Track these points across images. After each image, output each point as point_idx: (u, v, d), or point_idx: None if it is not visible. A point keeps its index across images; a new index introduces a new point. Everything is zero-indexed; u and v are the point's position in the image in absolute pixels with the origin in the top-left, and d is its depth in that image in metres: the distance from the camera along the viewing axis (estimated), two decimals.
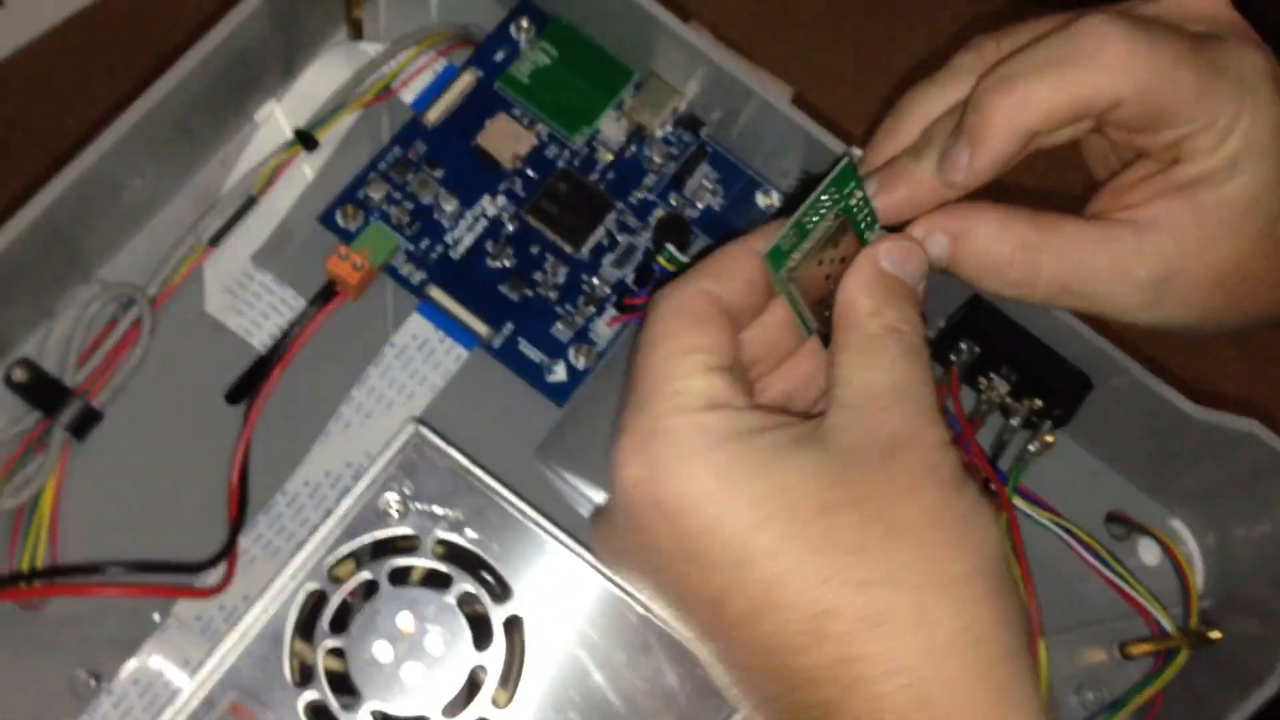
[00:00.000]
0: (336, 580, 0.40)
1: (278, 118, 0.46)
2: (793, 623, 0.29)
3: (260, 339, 0.45)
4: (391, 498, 0.40)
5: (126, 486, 0.44)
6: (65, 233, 0.42)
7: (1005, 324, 0.46)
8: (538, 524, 0.41)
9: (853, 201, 0.33)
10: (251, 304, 0.46)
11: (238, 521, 0.43)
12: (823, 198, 0.32)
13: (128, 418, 0.44)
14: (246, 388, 0.45)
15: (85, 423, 0.42)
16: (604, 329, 0.46)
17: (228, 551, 0.42)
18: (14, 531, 0.41)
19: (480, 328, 0.45)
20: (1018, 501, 0.45)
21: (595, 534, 0.34)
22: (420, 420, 0.41)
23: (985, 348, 0.46)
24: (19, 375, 0.42)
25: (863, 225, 0.33)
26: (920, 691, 0.28)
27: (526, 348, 0.46)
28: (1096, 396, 0.46)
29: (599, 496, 0.44)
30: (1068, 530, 0.45)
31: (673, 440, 0.30)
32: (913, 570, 0.29)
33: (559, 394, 0.46)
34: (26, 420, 0.42)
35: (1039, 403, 0.46)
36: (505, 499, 0.41)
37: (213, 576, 0.42)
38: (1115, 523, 0.49)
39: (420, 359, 0.45)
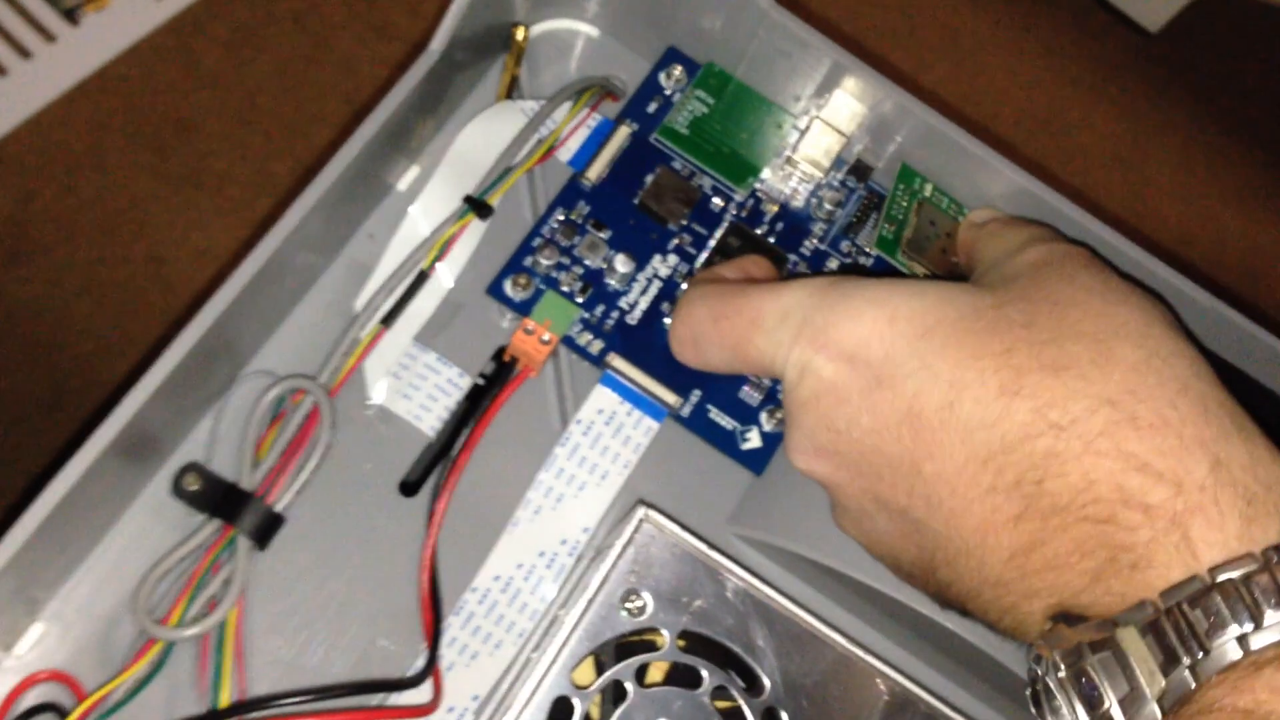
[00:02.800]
0: (580, 687, 0.36)
1: (435, 184, 0.43)
2: (986, 396, 0.31)
3: (430, 424, 0.42)
4: (630, 591, 0.37)
5: (310, 596, 0.40)
6: (228, 329, 0.38)
7: None
8: (783, 607, 0.38)
9: (926, 193, 0.44)
10: (417, 386, 0.42)
11: (435, 630, 0.39)
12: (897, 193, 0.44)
13: (308, 520, 0.40)
14: (423, 479, 0.41)
15: (268, 529, 0.38)
16: None
17: (431, 665, 0.38)
18: (202, 658, 0.37)
19: (668, 396, 0.42)
20: None
21: (787, 444, 0.36)
22: (648, 503, 0.38)
23: None
24: (191, 482, 0.38)
25: (950, 211, 0.44)
26: (1123, 412, 0.30)
27: (717, 415, 0.43)
28: None
29: (804, 551, 0.41)
30: None
31: (831, 297, 0.35)
32: (1084, 326, 0.32)
33: (755, 462, 0.43)
34: (205, 531, 0.38)
35: None
36: (748, 583, 0.38)
37: (421, 693, 0.39)
38: None
39: (609, 435, 0.42)
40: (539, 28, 0.47)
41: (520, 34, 0.43)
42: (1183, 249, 0.78)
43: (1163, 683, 0.28)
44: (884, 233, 0.44)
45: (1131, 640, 0.29)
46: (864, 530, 0.36)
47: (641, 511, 0.38)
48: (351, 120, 0.74)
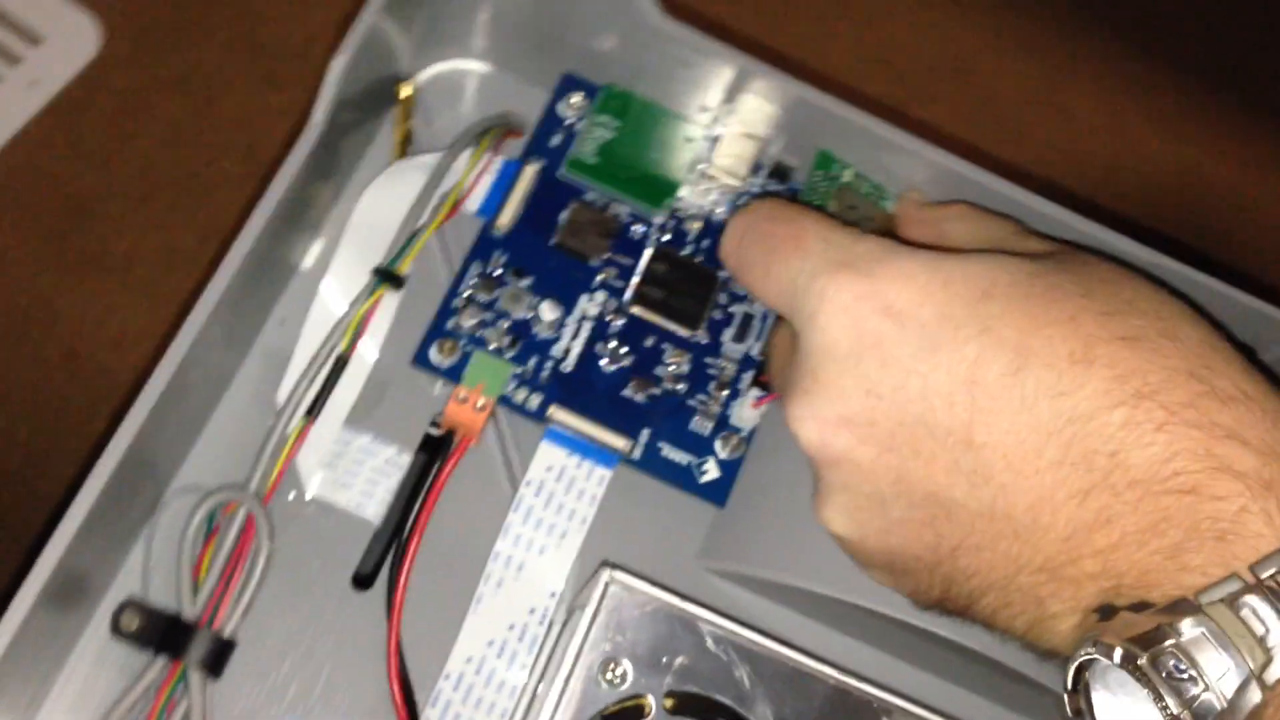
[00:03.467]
0: None
1: (342, 257, 0.41)
2: (1057, 362, 0.29)
3: (374, 510, 0.40)
4: (607, 660, 0.35)
5: (278, 714, 0.38)
6: (146, 450, 0.36)
7: None
8: (767, 648, 0.36)
9: (846, 179, 0.42)
10: (355, 473, 0.40)
11: None
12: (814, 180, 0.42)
13: (258, 636, 0.38)
14: (377, 569, 0.39)
15: (219, 656, 0.36)
16: (748, 413, 0.41)
17: None
18: None
19: (617, 441, 0.41)
20: None
21: (799, 410, 0.32)
22: (612, 564, 0.36)
23: None
24: (130, 621, 0.36)
25: (871, 196, 0.42)
26: (1204, 384, 0.29)
27: (670, 451, 0.41)
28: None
29: (780, 578, 0.40)
30: None
31: (879, 250, 0.32)
32: (1140, 304, 0.31)
33: (717, 493, 0.41)
34: (153, 670, 0.36)
35: None
36: (727, 630, 0.36)
37: None
38: None
39: (561, 491, 0.40)
40: (426, 72, 0.45)
41: (405, 91, 0.40)
42: (1112, 177, 0.77)
43: (1262, 659, 0.26)
44: None
45: (1225, 617, 0.26)
46: (861, 521, 0.33)
47: (606, 574, 0.36)
48: (254, 178, 0.72)
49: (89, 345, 0.69)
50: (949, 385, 0.30)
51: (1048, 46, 0.78)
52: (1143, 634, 0.27)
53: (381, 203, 0.41)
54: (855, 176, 0.43)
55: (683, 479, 0.41)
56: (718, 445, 0.41)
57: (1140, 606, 0.28)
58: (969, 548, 0.31)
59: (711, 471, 0.41)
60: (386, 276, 0.39)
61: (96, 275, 0.71)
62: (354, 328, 0.39)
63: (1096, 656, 0.27)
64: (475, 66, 0.46)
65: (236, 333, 0.40)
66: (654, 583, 0.36)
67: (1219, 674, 0.26)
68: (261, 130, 0.76)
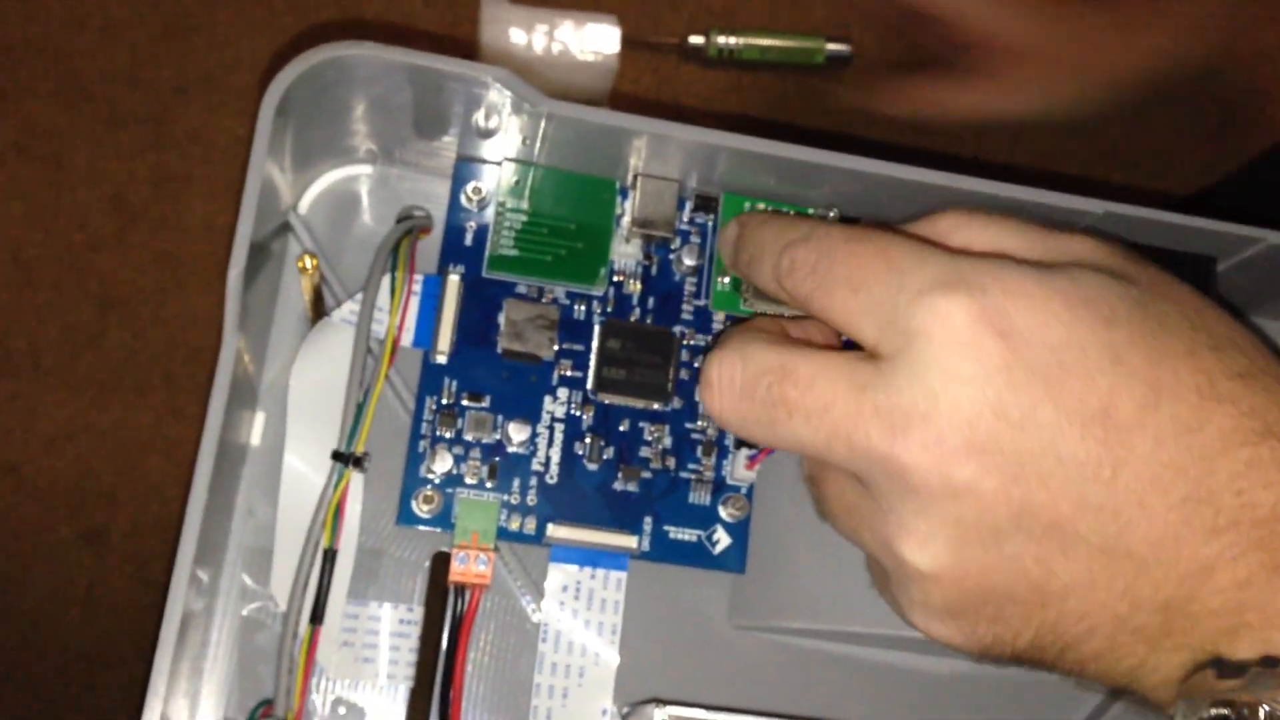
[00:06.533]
0: None
1: (295, 430, 0.39)
2: (1187, 396, 0.29)
3: (398, 674, 0.39)
4: None
5: None
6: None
7: None
8: None
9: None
10: (371, 644, 0.39)
11: None
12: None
13: None
14: None
15: None
16: (742, 470, 0.41)
17: None
18: None
19: (622, 541, 0.40)
20: None
21: (915, 441, 0.30)
22: (660, 700, 0.36)
23: None
24: None
25: None
26: None
27: (678, 532, 0.40)
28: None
29: (812, 624, 0.40)
30: None
31: (986, 265, 0.31)
32: (1237, 337, 0.31)
33: (734, 560, 0.41)
34: None
35: None
36: None
37: None
38: None
39: (584, 608, 0.40)
40: (313, 190, 0.42)
41: (308, 264, 0.38)
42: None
43: None
44: (719, 288, 0.41)
45: None
46: (966, 558, 0.30)
47: (661, 715, 0.36)
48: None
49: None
50: (1082, 415, 0.29)
51: None
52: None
53: (314, 371, 0.39)
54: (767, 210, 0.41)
55: (697, 557, 0.41)
56: (721, 511, 0.41)
57: (1272, 661, 0.27)
58: (1082, 586, 0.30)
59: (723, 540, 0.41)
60: (347, 460, 0.37)
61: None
62: (331, 520, 0.37)
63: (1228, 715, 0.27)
64: (362, 170, 0.43)
65: (209, 548, 0.38)
66: (705, 706, 0.36)
67: None
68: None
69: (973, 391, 0.29)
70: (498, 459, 0.40)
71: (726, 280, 0.41)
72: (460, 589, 0.39)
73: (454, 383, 0.40)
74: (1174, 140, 0.71)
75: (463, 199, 0.41)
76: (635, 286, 0.41)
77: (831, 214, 0.40)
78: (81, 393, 0.69)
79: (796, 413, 0.32)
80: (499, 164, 0.41)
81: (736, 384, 0.33)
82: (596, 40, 0.66)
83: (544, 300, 0.41)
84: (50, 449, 0.68)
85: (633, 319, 0.41)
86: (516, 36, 0.64)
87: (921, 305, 0.30)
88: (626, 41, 0.64)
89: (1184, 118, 0.71)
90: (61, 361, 0.68)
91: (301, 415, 0.39)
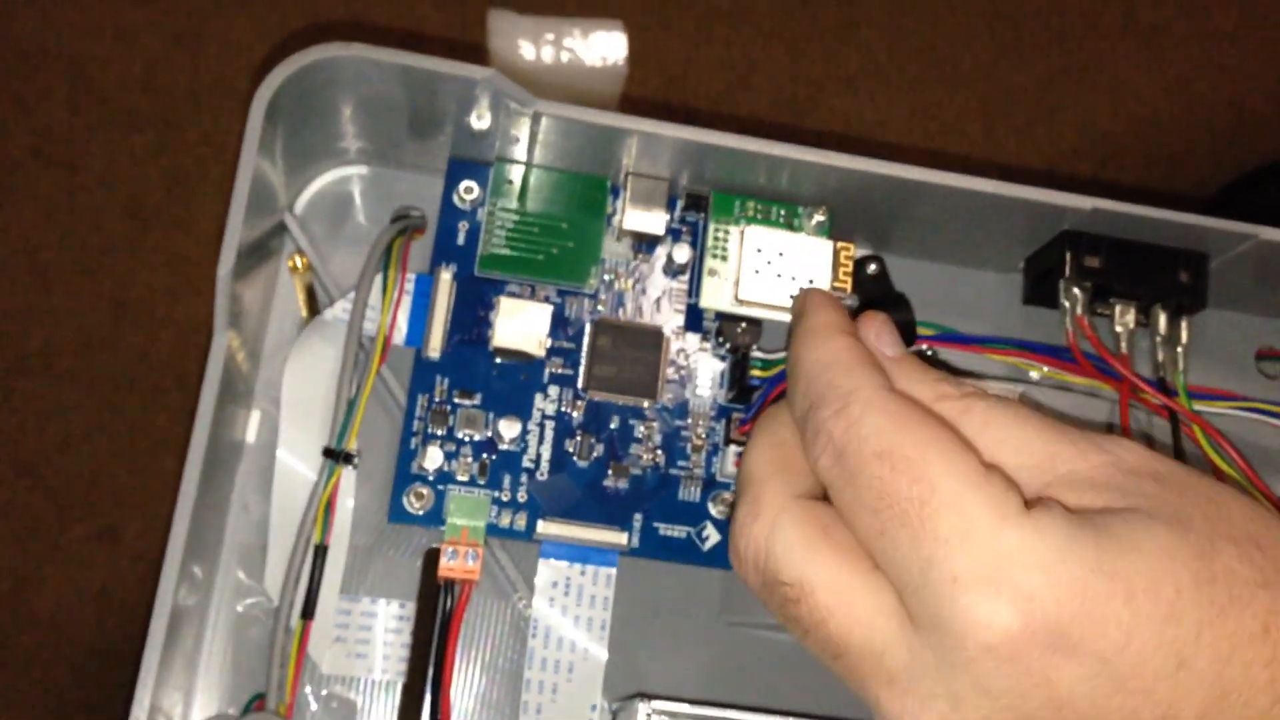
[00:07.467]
0: None
1: (287, 429, 0.39)
2: (1256, 700, 0.26)
3: (391, 669, 0.40)
4: None
5: None
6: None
7: (1100, 243, 0.42)
8: None
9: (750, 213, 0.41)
10: (364, 639, 0.40)
11: None
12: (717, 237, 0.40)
13: None
14: None
15: None
16: (731, 469, 0.41)
17: None
18: None
19: (611, 537, 0.40)
20: (1200, 406, 0.42)
21: None
22: (645, 694, 0.36)
23: (1093, 278, 0.42)
24: None
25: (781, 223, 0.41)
26: None
27: (667, 529, 0.41)
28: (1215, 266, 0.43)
29: None
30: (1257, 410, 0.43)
31: (1038, 555, 0.26)
32: None
33: (723, 558, 0.41)
34: None
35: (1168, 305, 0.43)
36: None
37: None
38: (1267, 359, 0.46)
39: (573, 604, 0.40)
40: (309, 191, 0.43)
41: (298, 263, 0.38)
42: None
43: None
44: (708, 286, 0.41)
45: None
46: None
47: (645, 708, 0.36)
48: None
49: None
50: None
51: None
52: None
53: (308, 369, 0.39)
54: (756, 208, 0.41)
55: (687, 553, 0.41)
56: (711, 508, 0.41)
57: None
58: None
59: (712, 536, 0.41)
60: (339, 456, 0.38)
61: None
62: (322, 516, 0.38)
63: None
64: (355, 171, 0.43)
65: (204, 544, 0.38)
66: (692, 701, 0.36)
67: None
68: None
69: (1003, 708, 0.26)
70: (488, 456, 0.40)
71: (715, 278, 0.41)
72: (450, 584, 0.39)
73: (445, 379, 0.40)
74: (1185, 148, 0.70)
75: (455, 199, 0.41)
76: (627, 286, 0.42)
77: (848, 301, 0.39)
78: (96, 393, 0.69)
79: (808, 638, 0.29)
80: (491, 164, 0.41)
81: (757, 577, 0.30)
82: (603, 46, 0.67)
83: (536, 299, 0.41)
84: (65, 449, 0.69)
85: (623, 318, 0.41)
86: (524, 47, 0.65)
87: (958, 601, 0.26)
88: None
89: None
90: (76, 363, 0.69)
91: (295, 412, 0.39)
